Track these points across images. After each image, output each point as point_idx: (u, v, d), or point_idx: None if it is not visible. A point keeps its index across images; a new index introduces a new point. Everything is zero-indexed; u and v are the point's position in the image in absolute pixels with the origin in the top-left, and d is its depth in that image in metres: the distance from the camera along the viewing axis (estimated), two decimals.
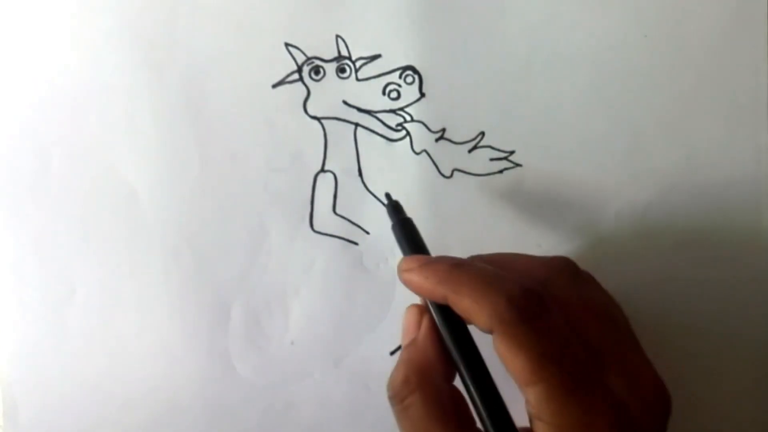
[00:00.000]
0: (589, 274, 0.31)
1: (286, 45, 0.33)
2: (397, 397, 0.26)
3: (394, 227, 0.31)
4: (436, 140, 0.34)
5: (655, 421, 0.25)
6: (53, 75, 0.34)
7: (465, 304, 0.25)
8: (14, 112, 0.34)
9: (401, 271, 0.28)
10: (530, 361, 0.23)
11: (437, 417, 0.25)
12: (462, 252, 0.34)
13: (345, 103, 0.34)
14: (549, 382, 0.23)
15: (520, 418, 0.25)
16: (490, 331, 0.25)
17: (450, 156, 0.34)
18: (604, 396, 0.24)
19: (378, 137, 0.34)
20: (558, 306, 0.26)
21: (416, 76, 0.34)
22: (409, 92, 0.34)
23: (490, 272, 0.26)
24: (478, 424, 0.25)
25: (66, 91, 0.34)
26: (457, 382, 0.26)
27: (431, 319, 0.27)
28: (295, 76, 0.34)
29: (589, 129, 0.33)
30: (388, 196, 0.33)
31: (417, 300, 0.29)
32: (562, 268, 0.29)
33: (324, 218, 0.34)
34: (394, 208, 0.32)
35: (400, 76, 0.34)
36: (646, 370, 0.26)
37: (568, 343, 0.25)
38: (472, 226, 0.34)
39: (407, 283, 0.28)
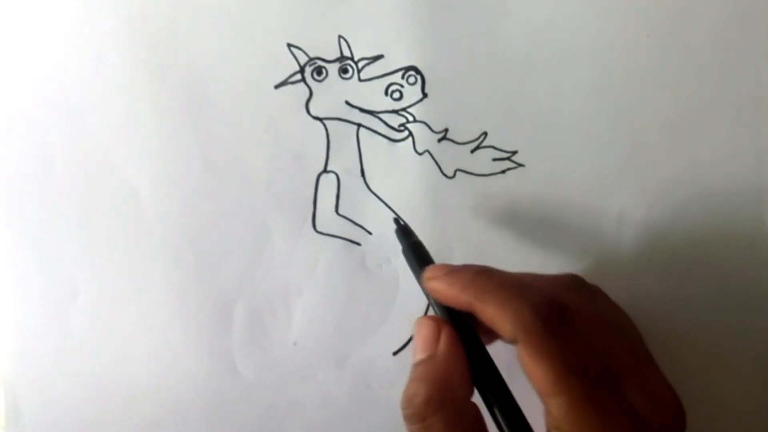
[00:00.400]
0: (599, 288, 0.31)
1: (289, 45, 0.33)
2: (418, 416, 0.25)
3: (405, 251, 0.31)
4: (439, 140, 0.34)
5: None
6: (54, 75, 0.34)
7: (489, 312, 0.25)
8: (15, 113, 0.34)
9: (426, 279, 0.28)
10: (554, 372, 0.24)
11: None
12: (463, 253, 0.34)
13: (347, 103, 0.34)
14: (571, 393, 0.23)
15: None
16: (513, 340, 0.25)
17: (452, 156, 0.34)
18: (624, 409, 0.24)
19: (380, 138, 0.34)
20: (577, 319, 0.26)
21: (419, 77, 0.33)
22: (412, 93, 0.34)
23: (515, 281, 0.26)
24: None
25: (68, 92, 0.34)
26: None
27: (452, 333, 0.27)
28: (298, 76, 0.34)
29: (591, 129, 0.33)
30: (396, 220, 0.33)
31: (419, 301, 0.29)
32: (572, 284, 0.29)
33: (326, 219, 0.34)
34: (404, 232, 0.31)
35: (402, 77, 0.34)
36: (661, 385, 0.26)
37: (589, 355, 0.25)
38: (474, 226, 0.34)
39: (432, 292, 0.27)
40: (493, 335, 0.28)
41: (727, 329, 0.34)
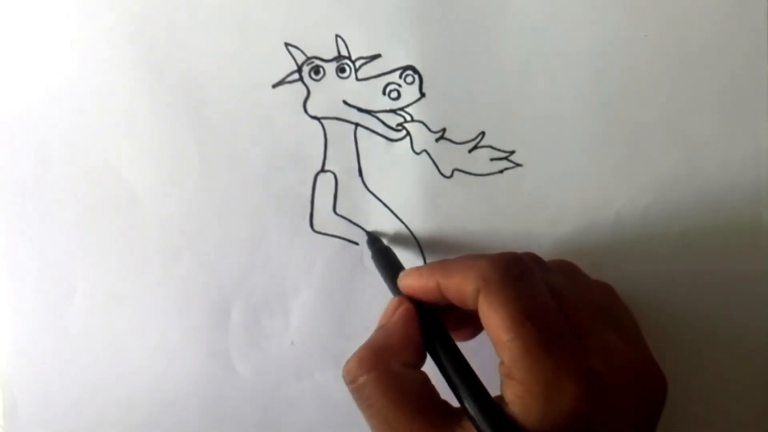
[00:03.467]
0: (567, 261, 0.32)
1: (286, 45, 0.33)
2: (349, 376, 0.26)
3: (373, 257, 0.33)
4: (437, 140, 0.34)
5: (632, 401, 0.25)
6: (53, 75, 0.34)
7: (454, 280, 0.26)
8: (14, 112, 0.34)
9: (399, 280, 0.29)
10: (509, 317, 0.24)
11: (393, 398, 0.25)
12: (461, 252, 0.34)
13: (345, 103, 0.34)
14: (523, 338, 0.24)
15: None
16: (476, 301, 0.25)
17: (450, 156, 0.34)
18: (579, 364, 0.24)
19: (378, 137, 0.34)
20: (536, 276, 0.26)
21: (416, 76, 0.33)
22: (410, 92, 0.34)
23: (478, 254, 0.27)
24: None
25: (66, 91, 0.34)
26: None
27: (409, 307, 0.28)
28: (295, 75, 0.34)
29: (589, 129, 0.33)
30: (367, 233, 0.34)
31: None
32: (531, 254, 0.30)
33: (324, 218, 0.34)
34: (372, 239, 0.33)
35: (400, 76, 0.34)
36: (630, 354, 0.26)
37: (546, 305, 0.25)
38: (472, 226, 0.34)
39: (406, 289, 0.28)
40: (471, 327, 0.30)
41: (725, 327, 0.34)
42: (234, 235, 0.34)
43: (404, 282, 0.29)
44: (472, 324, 0.30)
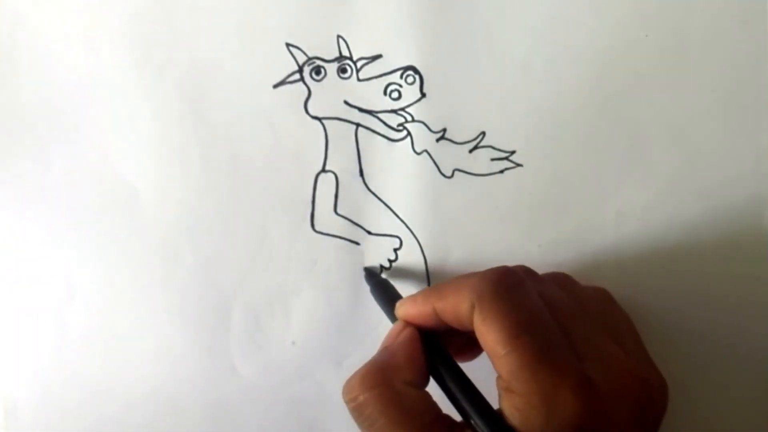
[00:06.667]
0: (562, 273, 0.32)
1: (287, 45, 0.33)
2: (350, 394, 0.26)
3: (372, 291, 0.33)
4: (437, 140, 0.34)
5: (632, 408, 0.25)
6: (53, 75, 0.34)
7: (449, 301, 0.26)
8: (14, 112, 0.34)
9: (396, 310, 0.29)
10: (505, 332, 0.24)
11: (394, 416, 0.25)
12: (462, 253, 0.34)
13: (346, 103, 0.34)
14: (520, 351, 0.24)
15: None
16: (471, 318, 0.25)
17: (451, 156, 0.34)
18: (577, 373, 0.24)
19: (379, 137, 0.34)
20: (529, 288, 0.26)
21: (417, 76, 0.33)
22: (410, 92, 0.34)
23: (469, 273, 0.27)
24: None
25: (66, 91, 0.34)
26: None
27: (413, 331, 0.28)
28: (296, 76, 0.34)
29: (590, 129, 0.33)
30: (365, 269, 0.34)
31: None
32: (522, 267, 0.30)
33: (325, 218, 0.34)
34: (369, 273, 0.34)
35: (401, 77, 0.34)
36: (628, 361, 0.26)
37: (541, 316, 0.25)
38: (472, 226, 0.34)
39: (404, 317, 0.29)
40: (472, 349, 0.30)
41: (725, 329, 0.34)
42: (234, 235, 0.34)
43: (401, 311, 0.29)
44: (472, 346, 0.30)
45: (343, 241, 0.34)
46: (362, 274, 0.34)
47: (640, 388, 0.26)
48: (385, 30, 0.33)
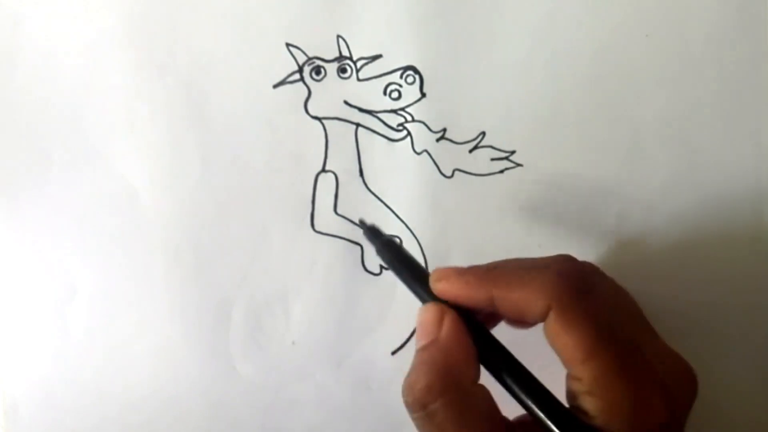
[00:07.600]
0: (591, 264, 0.31)
1: (287, 45, 0.33)
2: (418, 403, 0.24)
3: (380, 251, 0.30)
4: (437, 140, 0.34)
5: (688, 402, 0.25)
6: (53, 75, 0.34)
7: (515, 295, 0.25)
8: (14, 112, 0.34)
9: (434, 281, 0.27)
10: (588, 338, 0.24)
11: (466, 423, 0.24)
12: (462, 253, 0.34)
13: (346, 103, 0.34)
14: (604, 358, 0.24)
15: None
16: (542, 316, 0.25)
17: (451, 156, 0.34)
18: (652, 376, 0.24)
19: (379, 137, 0.34)
20: (598, 290, 0.26)
21: (417, 76, 0.34)
22: (410, 92, 0.34)
23: (529, 261, 0.26)
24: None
25: (66, 91, 0.34)
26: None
27: (456, 317, 0.26)
28: (296, 76, 0.34)
29: (590, 129, 0.33)
30: (362, 221, 0.32)
31: (416, 302, 0.29)
32: (571, 259, 0.29)
33: (325, 218, 0.34)
34: (372, 232, 0.31)
35: (401, 76, 0.34)
36: (673, 355, 0.26)
37: (614, 323, 0.25)
38: (473, 226, 0.34)
39: (443, 293, 0.27)
40: (494, 322, 0.29)
41: (726, 328, 0.34)
42: (235, 235, 0.34)
43: (441, 287, 0.27)
44: (489, 319, 0.29)
45: (343, 241, 0.34)
46: (362, 271, 0.34)
47: (693, 380, 0.26)
48: (385, 30, 0.33)
